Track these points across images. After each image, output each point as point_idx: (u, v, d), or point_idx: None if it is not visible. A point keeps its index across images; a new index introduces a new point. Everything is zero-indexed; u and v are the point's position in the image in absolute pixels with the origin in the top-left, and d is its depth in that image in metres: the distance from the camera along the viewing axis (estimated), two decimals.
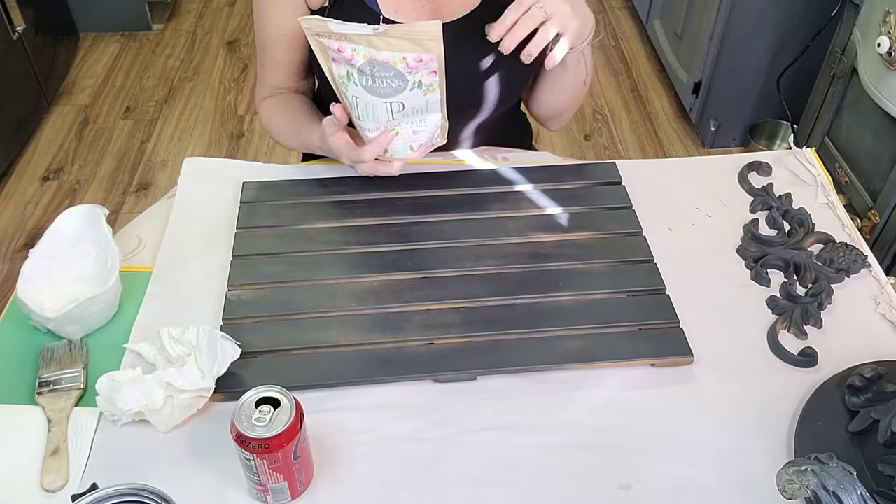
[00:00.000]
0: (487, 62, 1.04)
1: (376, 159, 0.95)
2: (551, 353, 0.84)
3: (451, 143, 1.13)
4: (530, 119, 1.29)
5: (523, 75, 1.09)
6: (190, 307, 0.89)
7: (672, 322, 0.88)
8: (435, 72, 0.85)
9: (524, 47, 0.88)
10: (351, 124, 0.96)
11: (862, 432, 0.74)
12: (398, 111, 0.87)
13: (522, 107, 1.26)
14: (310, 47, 1.07)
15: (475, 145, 1.15)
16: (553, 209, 1.01)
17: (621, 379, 0.83)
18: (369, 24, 0.84)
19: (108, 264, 0.89)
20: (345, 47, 0.83)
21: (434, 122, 0.91)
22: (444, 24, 0.98)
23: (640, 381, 0.83)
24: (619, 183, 1.06)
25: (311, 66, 1.13)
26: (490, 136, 1.15)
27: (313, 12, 1.02)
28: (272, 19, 1.05)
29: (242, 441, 0.67)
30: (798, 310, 0.89)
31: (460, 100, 1.04)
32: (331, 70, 0.87)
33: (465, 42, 0.98)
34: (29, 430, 0.78)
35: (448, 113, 1.10)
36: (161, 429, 0.77)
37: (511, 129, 1.23)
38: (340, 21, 0.83)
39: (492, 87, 1.06)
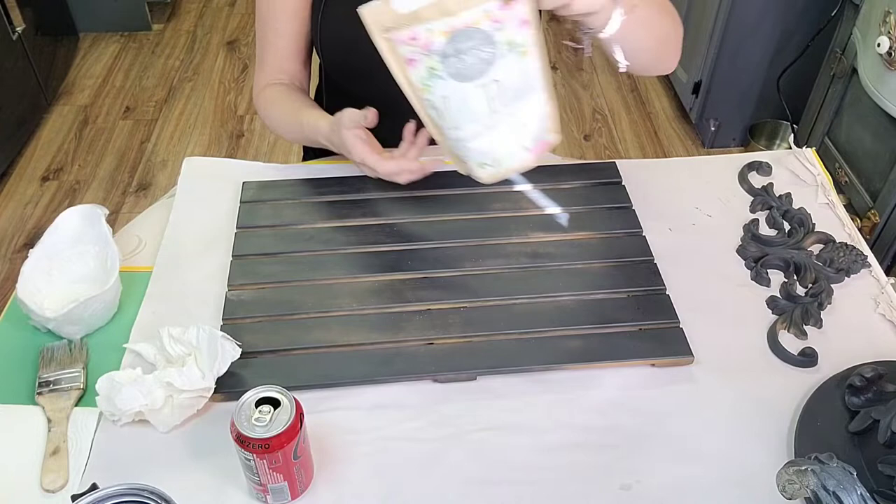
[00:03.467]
0: None
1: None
2: (551, 353, 0.84)
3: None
4: None
5: None
6: (190, 307, 0.89)
7: (672, 322, 0.88)
8: (526, 21, 0.68)
9: None
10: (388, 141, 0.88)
11: (862, 432, 0.74)
12: (496, 94, 0.72)
13: None
14: (309, 26, 1.08)
15: None
16: (553, 209, 1.01)
17: (621, 379, 0.83)
18: None
19: (108, 264, 0.89)
20: (418, 32, 0.69)
21: (538, 105, 0.74)
22: None
23: (640, 381, 0.83)
24: (619, 183, 1.06)
25: (310, 52, 1.12)
26: None
27: None
28: None
29: (242, 441, 0.67)
30: (798, 310, 0.89)
31: None
32: (408, 79, 0.73)
33: None
34: (29, 430, 0.78)
35: None
36: (161, 429, 0.77)
37: None
38: None
39: None
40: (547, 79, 0.75)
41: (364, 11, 0.69)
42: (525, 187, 1.04)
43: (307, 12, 1.08)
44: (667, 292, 0.91)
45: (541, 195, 1.02)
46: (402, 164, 0.92)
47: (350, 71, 1.09)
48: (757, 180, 1.08)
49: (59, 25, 2.77)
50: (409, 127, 0.92)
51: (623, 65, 0.81)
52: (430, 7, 0.67)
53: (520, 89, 0.72)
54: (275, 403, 0.68)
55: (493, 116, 0.73)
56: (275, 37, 1.10)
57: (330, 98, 1.18)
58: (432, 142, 0.96)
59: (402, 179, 0.94)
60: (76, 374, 0.82)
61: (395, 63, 0.72)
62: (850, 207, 1.77)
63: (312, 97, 1.19)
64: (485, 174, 0.73)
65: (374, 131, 1.06)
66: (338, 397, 0.81)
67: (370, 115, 0.90)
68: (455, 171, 1.06)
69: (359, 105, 1.09)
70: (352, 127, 0.92)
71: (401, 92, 1.08)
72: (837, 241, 0.98)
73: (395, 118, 1.05)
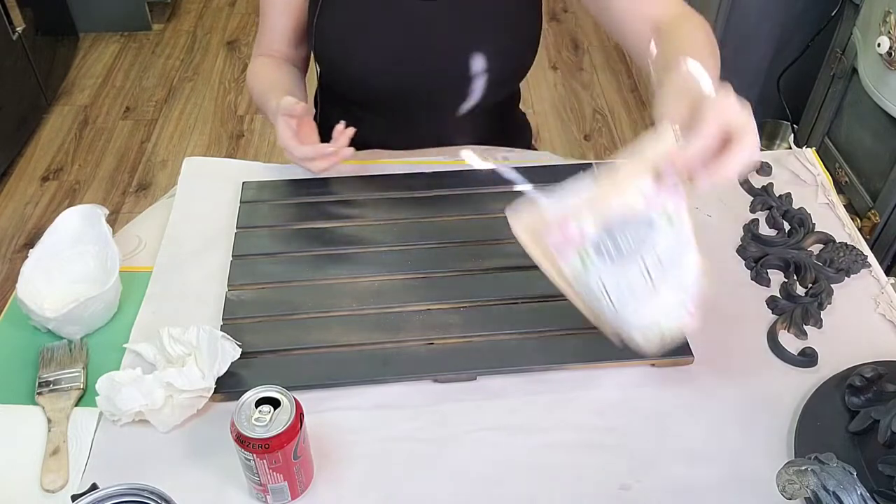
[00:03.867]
0: (483, 44, 1.05)
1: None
2: (551, 353, 0.84)
3: (448, 137, 1.13)
4: (530, 119, 1.29)
5: (521, 62, 1.11)
6: (190, 307, 0.89)
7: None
8: (680, 191, 0.65)
9: None
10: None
11: (862, 432, 0.74)
12: (653, 267, 0.67)
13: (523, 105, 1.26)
14: (304, 19, 1.08)
15: (474, 142, 1.15)
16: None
17: (621, 379, 0.83)
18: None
19: (108, 264, 0.89)
20: (569, 229, 0.64)
21: (693, 263, 0.69)
22: None
23: (640, 381, 0.83)
24: None
25: (305, 34, 1.14)
26: (488, 132, 1.16)
27: None
28: None
29: (242, 441, 0.67)
30: (798, 310, 0.89)
31: (452, 80, 1.05)
32: (559, 271, 0.68)
33: (461, 19, 1.02)
34: (29, 430, 0.78)
35: (452, 95, 1.07)
36: (161, 429, 0.77)
37: (510, 128, 1.24)
38: (552, 191, 0.63)
39: (485, 69, 1.06)
40: (691, 228, 0.70)
41: (513, 220, 0.65)
42: (525, 187, 1.04)
43: (304, 11, 1.08)
44: None
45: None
46: (317, 150, 0.96)
47: (346, 77, 1.09)
48: (757, 180, 1.08)
49: (59, 25, 2.77)
50: (338, 127, 0.96)
51: None
52: (581, 203, 0.63)
53: (676, 254, 0.68)
54: (275, 403, 0.68)
55: (652, 288, 0.69)
56: (270, 29, 1.12)
57: (325, 103, 1.18)
58: (354, 141, 0.97)
59: (315, 167, 0.98)
60: (76, 374, 0.82)
61: (542, 257, 0.67)
62: (850, 207, 1.77)
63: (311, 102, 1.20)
64: (648, 343, 0.70)
65: (369, 134, 1.08)
66: (338, 397, 0.81)
67: (299, 107, 0.94)
68: (455, 172, 1.06)
69: (354, 109, 1.10)
70: (284, 113, 0.95)
71: (395, 96, 1.08)
72: (837, 241, 0.97)
73: (388, 120, 1.06)
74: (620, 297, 0.67)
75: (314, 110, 1.15)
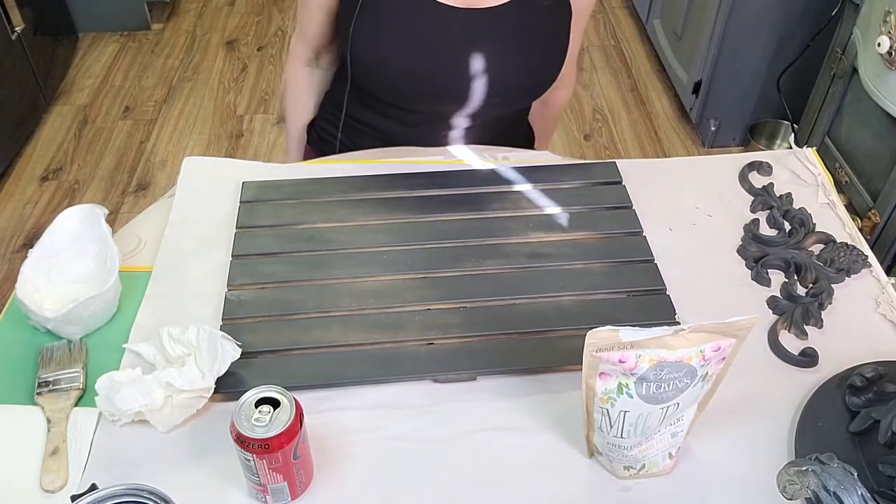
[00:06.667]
0: (516, 57, 1.05)
1: None
2: (551, 353, 0.84)
3: (465, 137, 1.14)
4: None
5: (548, 78, 1.10)
6: (190, 307, 0.89)
7: (672, 322, 0.87)
8: (725, 358, 0.71)
9: None
10: None
11: (862, 432, 0.74)
12: (671, 413, 0.72)
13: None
14: (337, 15, 1.10)
15: (482, 142, 1.15)
16: (553, 209, 1.01)
17: None
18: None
19: (108, 264, 0.89)
20: (628, 356, 0.68)
21: (690, 417, 0.75)
22: (478, 10, 1.02)
23: None
24: (619, 183, 1.05)
25: (334, 34, 1.15)
26: (496, 138, 1.16)
27: None
28: None
29: (242, 441, 0.67)
30: (798, 310, 0.89)
31: (483, 89, 1.05)
32: (593, 387, 0.71)
33: (497, 31, 1.01)
34: (29, 430, 0.78)
35: (467, 103, 1.08)
36: (161, 429, 0.77)
37: (516, 135, 1.24)
38: (634, 327, 0.68)
39: (515, 81, 1.07)
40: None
41: (589, 336, 0.70)
42: (525, 187, 1.04)
43: (335, 9, 1.09)
44: (667, 292, 0.91)
45: (541, 195, 1.02)
46: None
47: (378, 80, 1.09)
48: (757, 180, 1.08)
49: (59, 25, 2.77)
50: None
51: None
52: (651, 339, 0.68)
53: (687, 406, 0.74)
54: (275, 403, 0.68)
55: (658, 430, 0.74)
56: (308, 22, 1.14)
57: (355, 102, 1.16)
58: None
59: None
60: (76, 374, 0.82)
61: (587, 370, 0.71)
62: (850, 207, 1.77)
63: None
64: (625, 475, 0.76)
65: (389, 134, 1.08)
66: (338, 397, 0.81)
67: None
68: (455, 172, 1.06)
69: (381, 107, 1.11)
70: None
71: (424, 100, 1.09)
72: (838, 241, 0.97)
73: (413, 117, 1.07)
74: (630, 431, 0.71)
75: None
